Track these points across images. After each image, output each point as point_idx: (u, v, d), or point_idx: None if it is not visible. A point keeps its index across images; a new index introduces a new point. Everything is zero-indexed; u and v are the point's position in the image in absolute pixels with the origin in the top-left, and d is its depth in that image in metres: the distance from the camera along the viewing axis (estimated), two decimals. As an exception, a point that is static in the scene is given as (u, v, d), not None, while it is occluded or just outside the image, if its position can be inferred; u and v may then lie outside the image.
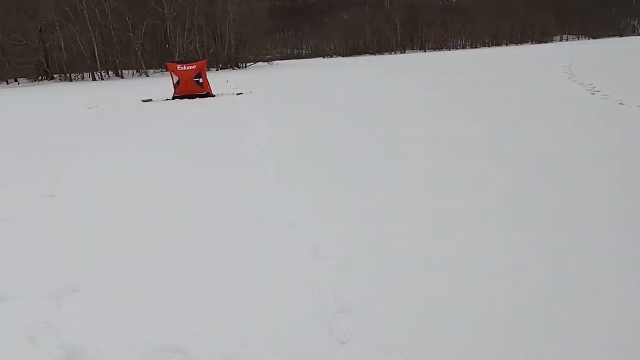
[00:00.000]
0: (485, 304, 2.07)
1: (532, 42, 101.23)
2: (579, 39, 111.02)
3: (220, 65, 47.33)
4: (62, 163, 5.54)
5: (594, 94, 8.67)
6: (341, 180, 4.07)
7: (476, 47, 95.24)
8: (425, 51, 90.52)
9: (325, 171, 4.40)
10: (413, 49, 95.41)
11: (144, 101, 13.54)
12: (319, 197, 3.63)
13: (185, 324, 2.06)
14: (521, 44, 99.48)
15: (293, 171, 4.46)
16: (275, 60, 65.67)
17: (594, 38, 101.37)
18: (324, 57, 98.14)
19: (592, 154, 4.39)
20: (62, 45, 40.00)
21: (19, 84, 39.51)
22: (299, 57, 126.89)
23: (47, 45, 40.67)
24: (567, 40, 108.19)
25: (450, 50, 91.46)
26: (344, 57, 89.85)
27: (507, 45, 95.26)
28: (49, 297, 2.34)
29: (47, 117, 11.44)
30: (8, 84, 39.47)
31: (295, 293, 2.26)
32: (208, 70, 14.78)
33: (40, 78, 41.58)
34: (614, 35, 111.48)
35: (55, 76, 42.07)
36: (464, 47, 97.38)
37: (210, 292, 2.33)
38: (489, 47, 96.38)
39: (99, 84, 34.26)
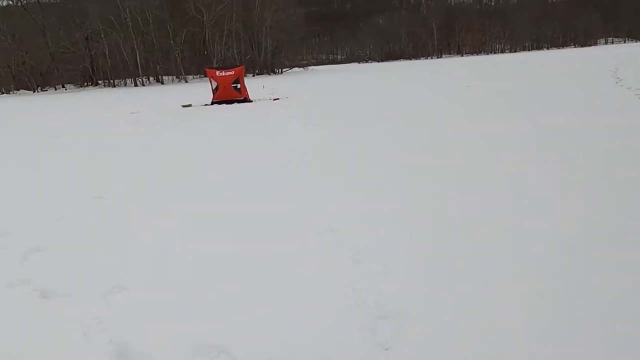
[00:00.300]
0: (535, 312, 2.02)
1: (574, 45, 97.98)
2: (625, 41, 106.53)
3: (257, 71, 48.08)
4: (109, 165, 5.75)
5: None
6: (384, 182, 4.06)
7: (515, 51, 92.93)
8: (462, 55, 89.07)
9: (367, 174, 4.39)
10: (450, 53, 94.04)
11: (184, 106, 13.89)
12: (361, 201, 3.63)
13: (229, 325, 2.10)
14: (563, 47, 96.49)
15: (332, 175, 4.48)
16: (310, 65, 66.29)
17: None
18: (359, 62, 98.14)
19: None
20: (107, 52, 41.64)
21: (65, 89, 41.31)
22: (334, 62, 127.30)
23: (93, 53, 42.41)
24: (613, 42, 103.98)
25: (488, 54, 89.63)
26: (379, 62, 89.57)
27: (547, 49, 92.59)
28: (99, 294, 2.43)
29: (93, 122, 11.91)
30: (56, 89, 41.34)
31: (336, 296, 2.27)
32: (245, 75, 15.00)
33: (85, 84, 43.35)
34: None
35: (99, 82, 43.78)
36: (502, 51, 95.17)
37: (255, 294, 2.36)
38: (528, 50, 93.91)
39: (140, 89, 35.42)
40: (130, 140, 7.86)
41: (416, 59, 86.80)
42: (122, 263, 2.82)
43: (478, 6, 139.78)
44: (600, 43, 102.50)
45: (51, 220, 3.66)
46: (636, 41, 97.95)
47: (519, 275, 2.36)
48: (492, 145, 5.40)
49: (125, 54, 42.33)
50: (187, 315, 2.20)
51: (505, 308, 2.08)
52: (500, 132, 6.18)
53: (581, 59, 29.15)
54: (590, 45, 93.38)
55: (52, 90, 41.01)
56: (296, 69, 54.50)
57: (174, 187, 4.51)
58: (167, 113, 12.46)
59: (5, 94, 38.07)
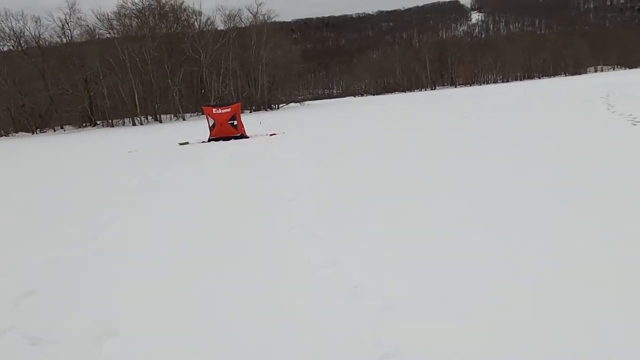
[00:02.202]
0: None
1: (565, 73, 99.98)
2: (613, 69, 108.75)
3: (254, 107, 48.73)
4: (106, 205, 5.71)
5: (635, 124, 8.38)
6: (380, 217, 4.02)
7: (507, 81, 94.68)
8: (456, 86, 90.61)
9: (363, 209, 4.36)
10: (443, 85, 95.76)
11: (181, 144, 13.97)
12: (358, 235, 3.58)
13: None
14: (554, 75, 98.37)
15: (330, 209, 4.44)
16: (306, 100, 67.23)
17: (629, 68, 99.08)
18: (355, 96, 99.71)
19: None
20: (105, 93, 42.28)
21: (64, 130, 41.68)
22: (330, 96, 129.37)
23: (92, 94, 43.05)
24: (602, 70, 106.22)
25: (480, 84, 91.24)
26: (374, 95, 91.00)
27: (539, 78, 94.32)
28: (90, 339, 2.35)
29: (91, 162, 11.94)
30: (55, 130, 41.69)
31: (335, 335, 2.19)
32: (242, 112, 15.17)
33: (84, 124, 43.78)
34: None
35: (98, 122, 44.25)
36: (494, 82, 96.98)
37: (257, 336, 2.29)
38: (520, 80, 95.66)
39: (138, 128, 35.75)
40: (127, 179, 7.84)
41: (411, 91, 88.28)
42: (112, 306, 2.74)
43: (469, 39, 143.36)
44: (590, 71, 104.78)
45: (47, 262, 3.59)
46: (625, 68, 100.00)
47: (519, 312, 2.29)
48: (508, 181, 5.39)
49: (123, 94, 42.99)
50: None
51: (514, 344, 2.01)
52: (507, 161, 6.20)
53: (573, 87, 29.64)
54: (580, 74, 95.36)
55: (50, 131, 41.36)
56: (293, 104, 55.26)
57: (166, 227, 4.46)
58: (164, 151, 12.51)
59: (4, 137, 38.35)
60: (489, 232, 3.40)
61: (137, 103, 43.44)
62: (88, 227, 4.59)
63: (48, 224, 5.02)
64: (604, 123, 9.24)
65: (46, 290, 3.08)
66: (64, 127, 42.65)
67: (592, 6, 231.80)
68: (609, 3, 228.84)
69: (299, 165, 7.49)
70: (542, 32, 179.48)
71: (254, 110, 47.48)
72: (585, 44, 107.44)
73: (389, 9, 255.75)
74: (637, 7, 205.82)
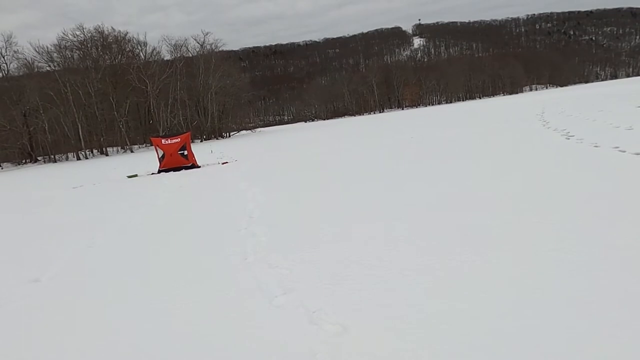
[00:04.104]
0: (490, 360, 2.00)
1: (503, 93, 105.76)
2: (547, 87, 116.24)
3: (204, 136, 48.18)
4: (44, 246, 5.42)
5: (568, 139, 8.94)
6: (328, 239, 4.04)
7: (451, 102, 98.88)
8: (403, 108, 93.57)
9: (319, 233, 4.37)
10: (391, 107, 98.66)
11: (129, 177, 13.56)
12: (314, 260, 3.58)
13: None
14: (493, 95, 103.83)
15: (284, 236, 4.43)
16: (257, 127, 67.23)
17: (561, 86, 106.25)
18: (306, 121, 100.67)
19: (573, 193, 4.47)
20: (46, 127, 40.51)
21: (2, 168, 39.47)
22: (281, 122, 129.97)
23: (31, 129, 41.13)
24: (537, 89, 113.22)
25: (426, 106, 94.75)
26: (324, 119, 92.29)
27: (480, 98, 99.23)
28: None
29: (28, 200, 11.34)
30: (-9, 168, 39.36)
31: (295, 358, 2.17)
32: (192, 141, 14.96)
33: (24, 161, 41.65)
34: (580, 82, 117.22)
35: (39, 158, 42.22)
36: (439, 102, 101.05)
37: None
38: (462, 100, 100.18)
39: (83, 162, 34.40)
40: (70, 217, 7.50)
41: (360, 114, 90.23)
42: (53, 354, 2.59)
43: (413, 63, 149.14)
44: (525, 90, 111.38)
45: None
46: (556, 86, 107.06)
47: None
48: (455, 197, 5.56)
49: (66, 128, 41.36)
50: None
51: None
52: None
53: (511, 105, 31.30)
54: (517, 92, 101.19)
55: (-14, 169, 39.03)
56: (244, 131, 55.08)
57: (112, 264, 4.29)
58: (111, 185, 12.09)
59: None
60: (429, 248, 3.49)
61: (81, 136, 41.86)
62: (28, 269, 4.33)
63: (-16, 269, 4.70)
64: (541, 139, 9.80)
65: (-18, 340, 2.86)
66: (1, 164, 40.37)
67: (523, 30, 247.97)
68: (537, 27, 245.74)
69: (250, 193, 7.44)
70: (480, 54, 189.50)
71: (205, 139, 46.93)
72: (520, 65, 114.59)
73: (334, 36, 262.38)
74: (562, 30, 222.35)
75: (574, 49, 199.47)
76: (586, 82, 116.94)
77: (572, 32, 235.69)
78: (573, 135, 9.23)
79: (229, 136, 50.87)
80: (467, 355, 2.05)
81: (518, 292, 2.60)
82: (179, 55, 49.52)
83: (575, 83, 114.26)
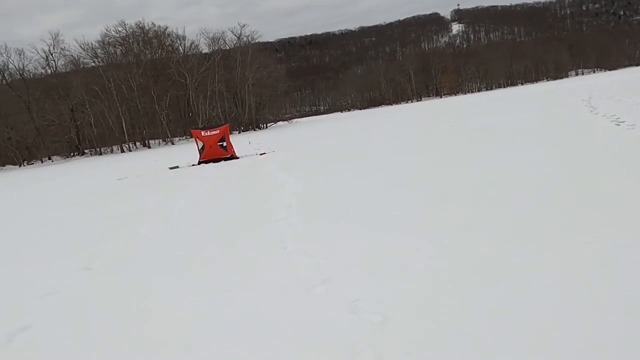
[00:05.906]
0: None
1: (546, 78, 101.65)
2: (594, 71, 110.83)
3: (242, 128, 48.88)
4: (95, 235, 5.66)
5: (618, 125, 8.53)
6: (374, 230, 4.03)
7: (491, 89, 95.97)
8: (441, 97, 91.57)
9: (357, 224, 4.37)
10: (429, 96, 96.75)
11: (171, 168, 13.94)
12: (352, 250, 3.59)
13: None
14: (536, 81, 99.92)
15: (322, 226, 4.45)
16: (294, 118, 67.51)
17: (609, 69, 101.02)
18: (342, 111, 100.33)
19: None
20: (92, 121, 42.18)
21: (52, 161, 41.40)
22: (317, 113, 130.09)
23: (78, 123, 42.92)
24: (583, 73, 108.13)
25: (465, 93, 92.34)
26: (360, 109, 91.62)
27: (522, 84, 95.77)
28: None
29: (79, 192, 11.85)
30: (42, 162, 41.39)
31: (332, 351, 2.18)
32: (230, 133, 15.21)
33: (72, 154, 43.54)
34: (630, 65, 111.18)
35: (86, 151, 44.03)
36: (479, 90, 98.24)
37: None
38: (503, 87, 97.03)
39: (127, 155, 35.63)
40: (115, 208, 7.79)
41: (397, 103, 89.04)
42: (112, 339, 2.71)
43: (451, 49, 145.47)
44: (571, 75, 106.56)
45: (39, 296, 3.54)
46: (605, 70, 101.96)
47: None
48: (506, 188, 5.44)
49: (110, 121, 42.93)
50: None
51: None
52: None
53: (556, 91, 30.12)
54: (562, 78, 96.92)
55: (38, 162, 41.06)
56: (280, 122, 55.49)
57: (160, 255, 4.43)
58: (154, 177, 12.47)
59: (-10, 170, 38.03)
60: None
61: (124, 130, 43.39)
62: (79, 258, 4.54)
63: (38, 255, 4.97)
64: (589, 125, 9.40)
65: (41, 324, 3.03)
66: (51, 157, 42.36)
67: (568, 12, 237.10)
68: (584, 8, 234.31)
69: (288, 183, 7.50)
70: (522, 39, 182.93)
71: (243, 131, 47.62)
72: (564, 49, 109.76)
73: (370, 25, 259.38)
74: (611, 11, 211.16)
75: (624, 30, 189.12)
76: (637, 64, 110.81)
77: (622, 12, 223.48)
78: (624, 121, 8.80)
79: (266, 127, 51.39)
80: (510, 346, 2.01)
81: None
82: (216, 48, 50.33)
83: (625, 66, 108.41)
